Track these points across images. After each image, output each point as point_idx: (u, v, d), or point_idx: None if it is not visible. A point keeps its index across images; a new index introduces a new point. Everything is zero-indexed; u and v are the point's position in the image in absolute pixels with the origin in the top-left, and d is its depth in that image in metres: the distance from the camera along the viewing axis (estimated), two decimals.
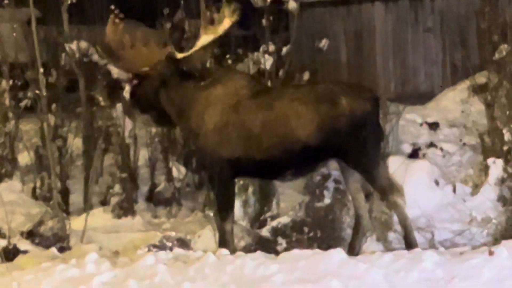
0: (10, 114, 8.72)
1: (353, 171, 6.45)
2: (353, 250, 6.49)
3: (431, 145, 8.25)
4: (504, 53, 7.61)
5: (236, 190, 7.00)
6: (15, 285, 5.73)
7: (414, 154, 8.03)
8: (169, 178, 8.41)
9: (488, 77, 7.85)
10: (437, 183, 7.44)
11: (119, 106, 8.07)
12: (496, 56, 7.68)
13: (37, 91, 7.86)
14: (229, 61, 8.24)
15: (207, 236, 6.95)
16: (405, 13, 10.73)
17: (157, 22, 8.94)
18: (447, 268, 5.12)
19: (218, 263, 5.66)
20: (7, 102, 8.69)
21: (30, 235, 7.35)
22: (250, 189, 7.45)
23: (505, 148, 7.39)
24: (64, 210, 7.86)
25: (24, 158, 8.87)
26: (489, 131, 7.69)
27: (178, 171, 8.37)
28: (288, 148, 6.29)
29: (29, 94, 8.55)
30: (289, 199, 7.64)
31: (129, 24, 6.48)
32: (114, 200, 8.09)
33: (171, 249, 6.67)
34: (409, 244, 6.30)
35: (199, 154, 7.15)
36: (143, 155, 8.61)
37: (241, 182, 7.34)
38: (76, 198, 8.48)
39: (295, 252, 5.73)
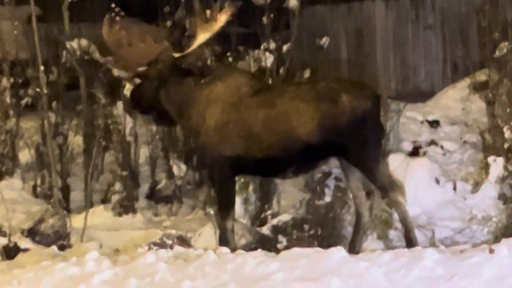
0: (11, 112, 8.73)
1: (354, 169, 6.45)
2: (353, 248, 6.49)
3: (432, 143, 8.24)
4: (505, 50, 7.60)
5: (237, 188, 7.01)
6: (16, 283, 5.73)
7: (415, 152, 8.02)
8: (170, 176, 8.42)
9: (489, 75, 7.85)
10: (437, 181, 7.43)
11: (119, 104, 8.08)
12: (497, 54, 7.67)
13: (37, 89, 7.87)
14: (230, 59, 8.23)
15: (208, 234, 6.95)
16: (406, 11, 10.71)
17: (158, 20, 8.94)
18: (447, 266, 5.12)
19: (219, 261, 5.66)
20: (7, 100, 8.69)
21: (31, 233, 7.36)
22: (251, 187, 7.45)
23: (506, 146, 7.39)
24: (65, 208, 7.86)
25: (25, 156, 8.87)
26: (490, 129, 7.68)
27: (179, 169, 8.37)
28: (288, 146, 6.29)
29: (30, 92, 8.55)
30: (289, 197, 7.64)
31: (125, 22, 6.48)
32: (114, 198, 8.10)
33: (171, 247, 6.67)
34: (410, 242, 6.31)
35: (200, 152, 7.15)
36: (144, 153, 8.62)
37: (242, 180, 7.34)
38: (76, 196, 8.49)
39: (296, 250, 5.73)
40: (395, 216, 6.72)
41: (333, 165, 7.21)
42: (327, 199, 7.22)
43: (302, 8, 8.12)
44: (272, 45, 7.89)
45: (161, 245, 6.81)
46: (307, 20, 10.44)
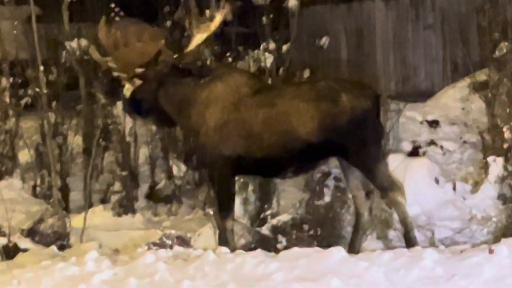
0: (11, 112, 8.73)
1: (353, 168, 6.45)
2: (353, 248, 6.49)
3: (431, 143, 8.24)
4: (505, 50, 7.60)
5: (236, 188, 7.01)
6: (15, 283, 5.73)
7: (414, 152, 8.02)
8: (170, 176, 8.42)
9: (489, 75, 7.84)
10: (437, 181, 7.43)
11: (119, 104, 8.07)
12: (497, 53, 7.67)
13: (37, 89, 7.88)
14: (230, 59, 8.23)
15: (207, 234, 6.95)
16: (406, 10, 10.71)
17: (158, 20, 8.94)
18: (447, 266, 5.12)
19: (218, 261, 5.66)
20: (7, 99, 8.70)
21: (30, 233, 7.37)
22: (250, 187, 7.45)
23: (506, 146, 7.39)
24: (64, 208, 7.87)
25: (24, 155, 8.87)
26: (490, 128, 7.68)
27: (179, 169, 8.37)
28: (288, 145, 6.29)
29: (30, 91, 8.56)
30: (289, 197, 7.64)
31: (122, 22, 6.47)
32: (114, 198, 8.11)
33: (171, 247, 6.67)
34: (409, 242, 6.30)
35: (200, 152, 7.15)
36: (144, 153, 8.62)
37: (241, 180, 7.34)
38: (76, 196, 8.49)
39: (295, 250, 5.73)
40: (395, 216, 6.71)
41: (333, 165, 7.21)
42: (327, 199, 7.22)
43: (301, 8, 8.12)
44: (272, 45, 7.89)
45: (161, 245, 6.81)
46: (307, 20, 10.45)
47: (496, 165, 7.28)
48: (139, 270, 5.68)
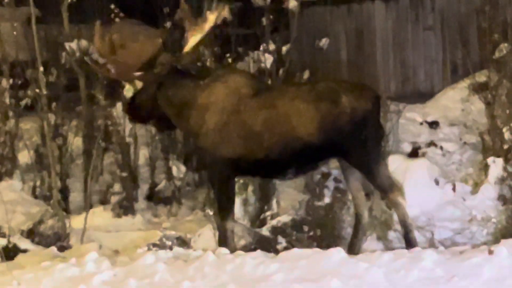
0: (11, 113, 8.71)
1: (353, 169, 6.45)
2: (353, 249, 6.49)
3: (431, 144, 8.24)
4: (504, 51, 7.61)
5: (236, 189, 7.00)
6: (15, 284, 5.73)
7: (414, 153, 8.02)
8: (169, 177, 8.41)
9: (488, 76, 7.85)
10: (437, 182, 7.44)
11: (119, 105, 8.07)
12: (496, 55, 7.68)
13: (37, 90, 7.86)
14: (230, 60, 8.23)
15: (207, 235, 6.95)
16: (406, 11, 10.72)
17: (158, 21, 8.94)
18: (447, 267, 5.13)
19: (218, 262, 5.66)
20: (7, 101, 8.68)
21: (30, 234, 7.36)
22: (250, 188, 7.45)
23: (505, 147, 7.40)
24: (64, 209, 7.86)
25: (24, 157, 8.86)
26: (489, 130, 7.69)
27: (178, 170, 8.37)
28: (289, 146, 6.29)
29: (30, 93, 8.54)
30: (289, 198, 7.63)
31: (118, 24, 6.46)
32: (114, 199, 8.10)
33: (171, 248, 6.68)
34: (409, 243, 6.31)
35: (200, 154, 7.15)
36: (143, 154, 8.61)
37: (241, 181, 7.34)
38: (76, 197, 8.49)
39: (295, 251, 5.73)
40: (395, 217, 6.72)
41: (333, 166, 7.22)
42: (327, 200, 7.23)
43: (301, 9, 8.12)
44: (272, 46, 7.89)
45: (161, 246, 6.82)
46: (307, 21, 10.46)
47: (496, 166, 7.29)
48: (139, 271, 5.68)
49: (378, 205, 7.02)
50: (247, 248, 6.70)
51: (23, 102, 8.75)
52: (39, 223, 7.41)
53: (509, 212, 6.99)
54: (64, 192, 8.31)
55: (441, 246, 6.46)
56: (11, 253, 6.91)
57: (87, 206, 7.65)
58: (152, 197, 8.39)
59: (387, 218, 7.01)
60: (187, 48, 6.43)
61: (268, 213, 7.39)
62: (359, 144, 6.26)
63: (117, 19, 7.80)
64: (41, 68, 7.48)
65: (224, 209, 6.47)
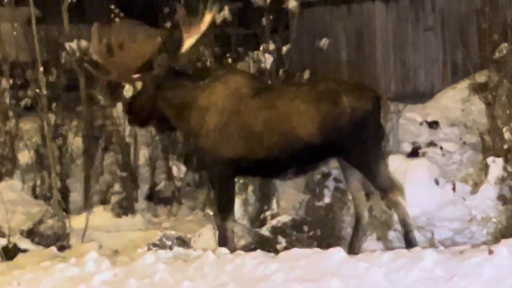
0: (11, 113, 8.71)
1: (353, 169, 6.45)
2: (353, 249, 6.49)
3: (431, 144, 8.25)
4: (505, 52, 7.61)
5: (236, 189, 7.00)
6: (15, 284, 5.73)
7: (414, 153, 8.03)
8: (169, 177, 8.41)
9: (489, 76, 7.85)
10: (437, 182, 7.44)
11: (119, 105, 8.07)
12: (497, 55, 7.68)
13: (37, 90, 7.86)
14: (230, 60, 8.23)
15: (207, 235, 6.95)
16: (406, 12, 10.70)
17: (158, 21, 8.94)
18: (447, 267, 5.12)
19: (218, 262, 5.66)
20: (7, 101, 8.68)
21: (30, 234, 7.36)
22: (250, 188, 7.45)
23: (505, 147, 7.40)
24: (64, 209, 7.85)
25: (25, 157, 8.86)
26: (489, 130, 7.69)
27: (178, 170, 8.37)
28: (289, 146, 6.29)
29: (30, 93, 8.54)
30: (289, 198, 7.64)
31: (116, 25, 6.45)
32: (114, 199, 8.10)
33: (171, 248, 6.68)
34: (409, 243, 6.31)
35: (200, 154, 7.15)
36: (144, 154, 8.61)
37: (241, 181, 7.34)
38: (76, 197, 8.48)
39: (295, 251, 5.73)
40: (395, 217, 6.72)
41: (333, 166, 7.21)
42: (327, 200, 7.23)
43: (301, 9, 8.12)
44: (272, 46, 7.89)
45: (161, 246, 6.82)
46: (307, 21, 10.44)
47: (496, 166, 7.29)
48: (139, 271, 5.68)
49: (378, 205, 7.02)
50: (247, 248, 6.70)
51: (23, 102, 8.75)
52: (39, 223, 7.41)
53: (509, 212, 6.99)
54: (64, 192, 8.31)
55: (441, 246, 6.46)
56: (11, 253, 6.91)
57: (87, 206, 7.65)
58: (152, 197, 8.39)
59: (387, 218, 7.01)
60: (184, 48, 6.43)
61: (268, 213, 7.39)
62: (359, 144, 6.26)
63: (117, 19, 7.80)
64: (41, 68, 7.48)
65: (224, 209, 6.48)
